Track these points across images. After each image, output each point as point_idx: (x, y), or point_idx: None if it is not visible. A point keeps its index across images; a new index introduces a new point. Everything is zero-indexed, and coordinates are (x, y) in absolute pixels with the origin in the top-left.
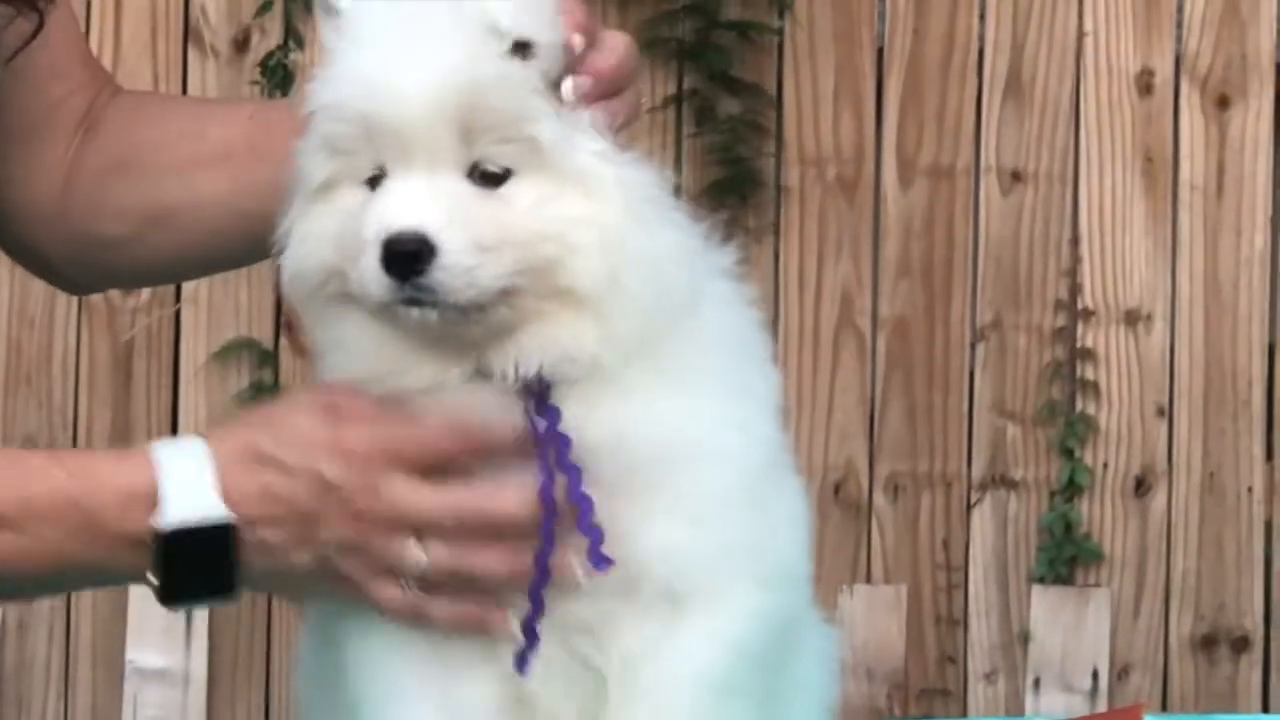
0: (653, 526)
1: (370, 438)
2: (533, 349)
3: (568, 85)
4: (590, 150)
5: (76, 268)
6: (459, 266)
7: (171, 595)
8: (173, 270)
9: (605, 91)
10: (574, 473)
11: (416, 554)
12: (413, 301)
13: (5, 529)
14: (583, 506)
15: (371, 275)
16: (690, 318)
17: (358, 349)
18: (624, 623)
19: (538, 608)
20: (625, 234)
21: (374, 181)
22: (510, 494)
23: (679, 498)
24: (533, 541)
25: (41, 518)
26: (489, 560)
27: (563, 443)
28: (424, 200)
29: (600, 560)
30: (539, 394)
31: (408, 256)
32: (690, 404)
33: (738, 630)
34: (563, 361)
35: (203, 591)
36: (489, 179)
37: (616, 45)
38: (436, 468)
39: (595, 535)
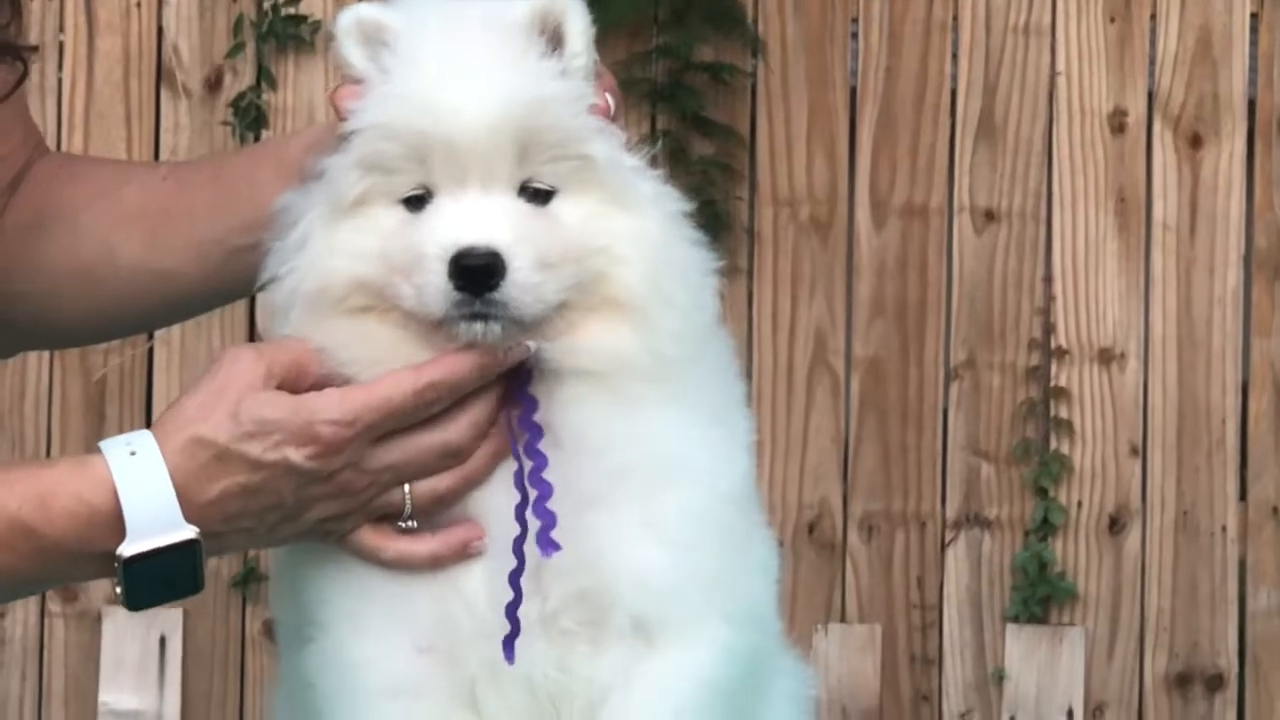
0: (628, 546)
1: (336, 414)
2: (579, 352)
3: (610, 100)
4: (630, 167)
5: None
6: (529, 282)
7: (136, 601)
8: (90, 329)
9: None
10: (540, 459)
11: (404, 496)
12: (477, 316)
13: None
14: (541, 490)
15: (435, 290)
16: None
17: (372, 354)
18: (591, 653)
19: (518, 594)
20: (664, 245)
21: (413, 201)
22: (462, 422)
23: (657, 514)
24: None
25: None
26: (472, 466)
27: (534, 433)
28: (491, 217)
29: (548, 544)
30: (520, 383)
31: (480, 271)
32: (679, 421)
33: (709, 666)
34: (606, 363)
35: (170, 593)
36: (538, 196)
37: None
38: (402, 423)
39: (549, 519)
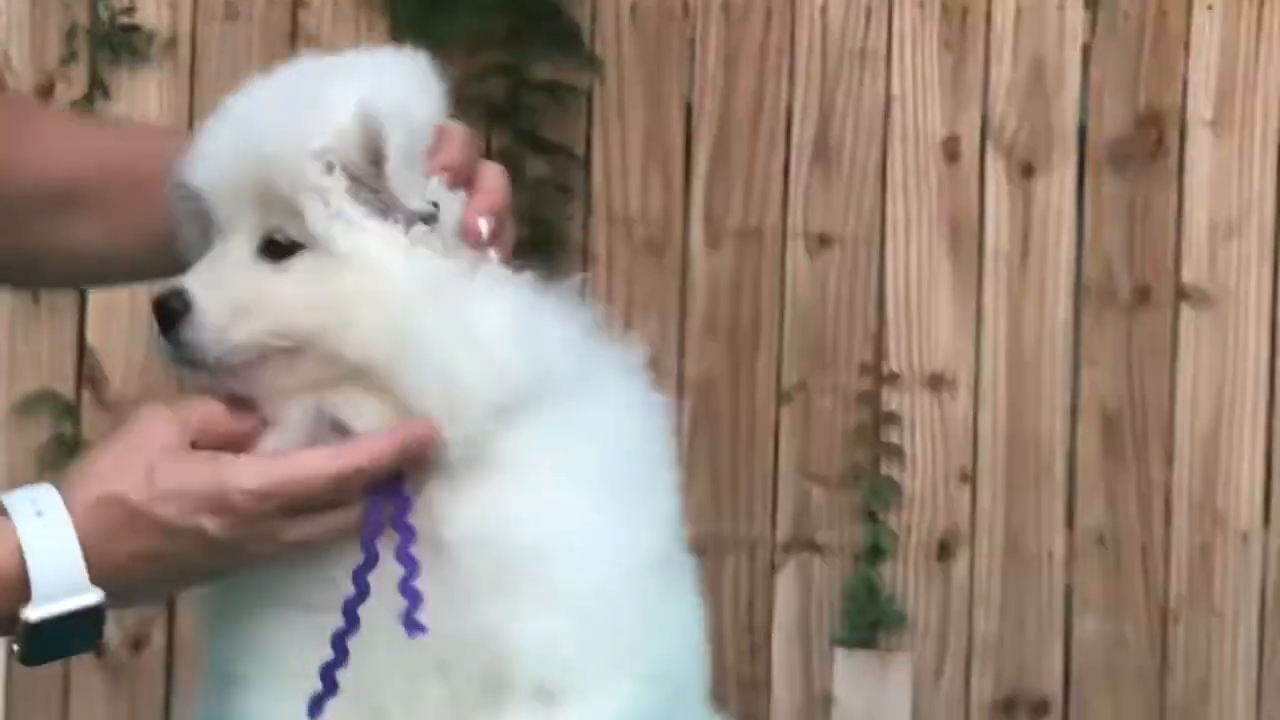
0: (524, 619)
1: (253, 485)
2: (335, 410)
3: (482, 224)
4: (376, 234)
5: None
6: (210, 325)
7: (33, 658)
8: (33, 284)
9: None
10: (407, 533)
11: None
12: (176, 358)
13: None
14: (408, 567)
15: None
16: (577, 413)
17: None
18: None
19: (341, 655)
20: (413, 312)
21: None
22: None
23: (556, 591)
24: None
25: None
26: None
27: (401, 503)
28: (204, 264)
29: (413, 626)
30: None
31: (162, 312)
32: (574, 501)
33: None
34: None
35: (68, 650)
36: (279, 250)
37: (497, 180)
38: (318, 504)
39: (414, 599)
